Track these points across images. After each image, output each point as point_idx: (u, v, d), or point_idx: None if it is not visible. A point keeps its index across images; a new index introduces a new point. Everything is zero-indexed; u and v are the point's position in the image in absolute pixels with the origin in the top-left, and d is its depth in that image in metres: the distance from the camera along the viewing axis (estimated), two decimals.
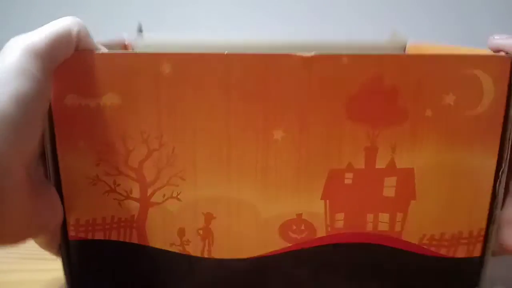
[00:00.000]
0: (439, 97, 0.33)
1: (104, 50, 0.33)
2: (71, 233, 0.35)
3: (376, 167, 0.34)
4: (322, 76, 0.32)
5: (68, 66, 0.31)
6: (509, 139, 0.34)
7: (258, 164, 0.34)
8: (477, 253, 0.36)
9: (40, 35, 0.29)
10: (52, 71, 0.30)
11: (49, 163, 0.33)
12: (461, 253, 0.36)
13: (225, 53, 0.32)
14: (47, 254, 0.36)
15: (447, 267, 0.36)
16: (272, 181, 0.34)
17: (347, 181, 0.34)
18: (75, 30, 0.30)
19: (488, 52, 0.35)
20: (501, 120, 0.33)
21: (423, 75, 0.32)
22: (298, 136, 0.33)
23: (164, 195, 0.34)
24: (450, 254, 0.36)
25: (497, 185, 0.35)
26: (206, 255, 0.36)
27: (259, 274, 0.36)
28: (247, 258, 0.36)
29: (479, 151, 0.34)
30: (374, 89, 0.32)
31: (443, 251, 0.36)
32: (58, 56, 0.30)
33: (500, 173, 0.34)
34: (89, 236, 0.35)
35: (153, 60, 0.32)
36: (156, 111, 0.33)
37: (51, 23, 0.30)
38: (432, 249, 0.36)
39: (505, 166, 0.34)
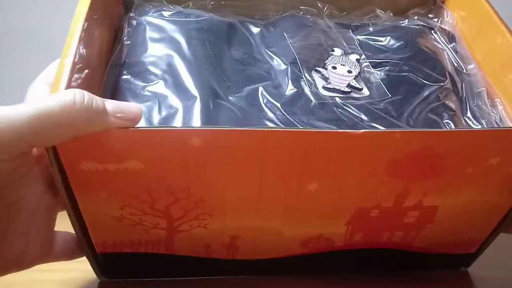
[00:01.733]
0: (484, 160, 0.31)
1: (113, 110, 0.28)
2: (99, 249, 0.36)
3: (404, 206, 0.34)
4: (368, 148, 0.29)
5: (75, 142, 0.27)
6: None
7: (287, 204, 0.33)
8: (473, 250, 0.40)
9: (26, 117, 0.25)
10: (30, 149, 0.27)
11: (67, 205, 0.31)
12: (459, 251, 0.40)
13: (263, 129, 0.27)
14: (50, 265, 0.36)
15: (444, 259, 0.41)
16: (298, 214, 0.34)
17: (372, 214, 0.35)
18: (71, 120, 0.26)
19: None
20: None
21: (473, 145, 0.30)
22: (331, 188, 0.32)
23: (191, 225, 0.34)
24: (450, 252, 0.40)
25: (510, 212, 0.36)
26: (230, 258, 0.38)
27: (272, 269, 0.39)
28: (267, 259, 0.38)
29: (505, 196, 0.34)
30: (419, 157, 0.30)
31: (443, 251, 0.40)
32: (41, 141, 0.26)
33: None
34: (117, 251, 0.36)
35: (181, 135, 0.27)
36: (183, 172, 0.30)
37: (46, 102, 0.25)
38: (435, 249, 0.39)
39: None
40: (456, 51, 0.40)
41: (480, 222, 0.37)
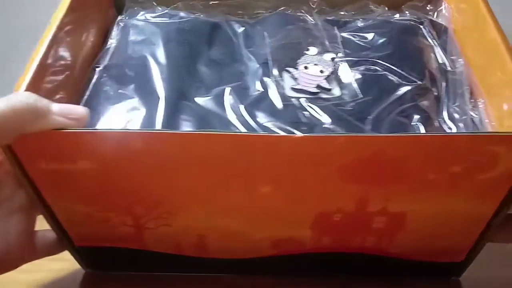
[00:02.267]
0: (445, 166, 0.29)
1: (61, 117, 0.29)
2: (76, 243, 0.38)
3: (367, 211, 0.33)
4: (314, 153, 0.28)
5: (27, 142, 0.29)
6: None
7: (247, 207, 0.33)
8: (459, 259, 0.38)
9: None
10: None
11: (36, 203, 0.33)
12: (444, 259, 0.38)
13: (205, 133, 0.28)
14: None
15: (428, 267, 0.39)
16: (260, 221, 0.34)
17: (336, 219, 0.34)
18: (10, 119, 0.27)
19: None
20: (511, 182, 0.30)
21: (429, 151, 0.28)
22: (285, 192, 0.31)
23: (156, 223, 0.35)
24: (433, 260, 0.38)
25: (492, 221, 0.33)
26: (202, 256, 0.39)
27: (247, 269, 0.39)
28: (239, 259, 0.39)
29: (479, 203, 0.32)
30: (373, 160, 0.29)
31: (426, 259, 0.38)
32: None
33: (498, 215, 0.33)
34: (94, 244, 0.38)
35: (122, 138, 0.28)
36: (134, 174, 0.31)
37: None
38: (417, 257, 0.38)
39: (506, 210, 0.33)
40: (444, 48, 0.38)
41: (460, 231, 0.35)
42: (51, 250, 0.38)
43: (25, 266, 0.37)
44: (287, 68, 0.37)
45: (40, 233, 0.37)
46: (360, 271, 0.39)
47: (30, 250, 0.36)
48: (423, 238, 0.36)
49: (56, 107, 0.29)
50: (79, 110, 0.30)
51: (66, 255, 0.40)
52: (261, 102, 0.35)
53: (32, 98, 0.28)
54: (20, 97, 0.28)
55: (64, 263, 0.41)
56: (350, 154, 0.28)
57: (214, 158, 0.29)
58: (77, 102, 0.37)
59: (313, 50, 0.37)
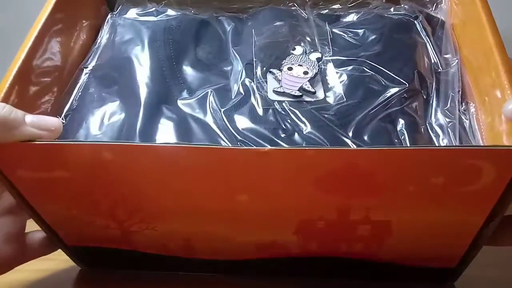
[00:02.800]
0: (424, 179, 0.28)
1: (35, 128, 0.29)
2: (67, 242, 0.38)
3: (350, 219, 0.32)
4: (285, 166, 0.27)
5: (3, 152, 0.29)
6: (503, 212, 0.29)
7: (227, 213, 0.33)
8: (453, 265, 0.36)
9: None
10: None
11: (23, 206, 0.34)
12: (437, 265, 0.37)
13: (170, 145, 0.27)
14: None
15: (425, 272, 0.37)
16: (243, 226, 0.34)
17: (319, 226, 0.33)
18: None
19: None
20: (499, 196, 0.28)
21: (406, 165, 0.27)
22: (263, 201, 0.31)
23: (140, 227, 0.35)
24: (425, 265, 0.37)
25: (484, 230, 0.32)
26: (190, 257, 0.39)
27: (235, 270, 0.39)
28: (227, 260, 0.38)
29: (465, 215, 0.30)
30: (346, 173, 0.28)
31: (420, 264, 0.37)
32: None
33: (489, 225, 0.31)
34: (85, 244, 0.38)
35: (93, 150, 0.28)
36: (109, 183, 0.31)
37: None
38: (405, 263, 0.37)
39: (496, 220, 0.31)
40: (439, 45, 0.36)
41: (450, 239, 0.33)
42: (44, 250, 0.38)
43: (20, 266, 0.38)
44: (271, 70, 0.35)
45: (31, 234, 0.38)
46: (351, 274, 0.39)
47: (22, 252, 0.37)
48: (412, 245, 0.34)
49: (29, 118, 0.29)
50: (53, 121, 0.30)
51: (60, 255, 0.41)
52: (242, 106, 0.34)
53: (5, 110, 0.28)
54: None
55: (55, 261, 0.42)
56: (321, 166, 0.27)
57: (185, 169, 0.29)
58: (64, 104, 0.37)
59: (298, 50, 0.36)
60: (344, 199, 0.30)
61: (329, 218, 0.32)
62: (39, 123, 0.29)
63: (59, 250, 0.40)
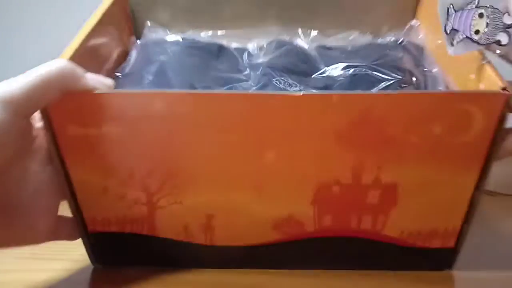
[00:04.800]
0: (427, 128, 0.33)
1: (101, 84, 0.34)
2: (90, 227, 0.40)
3: (362, 183, 0.36)
4: (311, 113, 0.33)
5: (64, 104, 0.33)
6: (492, 164, 0.35)
7: (252, 178, 0.36)
8: (451, 244, 0.40)
9: (17, 84, 0.31)
10: (28, 113, 0.33)
11: (60, 174, 0.36)
12: (435, 244, 0.40)
13: (216, 92, 0.32)
14: (44, 254, 0.40)
15: (422, 254, 0.41)
16: (266, 189, 0.37)
17: (334, 191, 0.37)
18: (55, 77, 0.32)
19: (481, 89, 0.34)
20: (487, 146, 0.34)
21: (411, 110, 0.33)
22: (288, 158, 0.35)
23: (168, 201, 0.38)
24: (426, 245, 0.40)
25: (476, 192, 0.37)
26: (208, 243, 0.41)
27: (252, 259, 0.42)
28: (244, 246, 0.41)
29: (460, 172, 0.36)
30: (363, 121, 0.33)
31: (419, 243, 0.40)
32: (35, 102, 0.32)
33: (480, 185, 0.36)
34: (106, 229, 0.40)
35: (146, 98, 0.33)
36: (154, 137, 0.34)
37: (33, 69, 0.32)
38: (409, 241, 0.40)
39: (485, 181, 0.36)
40: (422, 63, 0.44)
41: (447, 206, 0.38)
42: (69, 234, 0.40)
43: (28, 266, 0.38)
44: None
45: (60, 217, 0.39)
46: (357, 261, 0.42)
47: (52, 229, 0.38)
48: (414, 217, 0.39)
49: (88, 74, 0.34)
50: (108, 79, 0.35)
51: (72, 253, 0.42)
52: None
53: (70, 63, 0.33)
54: (61, 61, 0.33)
55: (68, 262, 0.43)
56: (343, 113, 0.33)
57: (224, 119, 0.33)
58: None
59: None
60: (358, 155, 0.35)
61: (344, 182, 0.36)
62: (97, 78, 0.34)
63: (70, 250, 0.41)
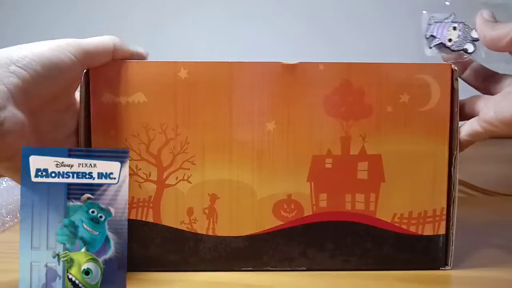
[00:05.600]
0: (396, 97, 0.42)
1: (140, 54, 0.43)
2: None
3: (351, 153, 0.42)
4: (304, 80, 0.41)
5: (106, 71, 0.41)
6: (457, 130, 0.42)
7: (255, 150, 0.41)
8: (442, 231, 0.43)
9: (87, 40, 0.40)
10: (87, 64, 0.40)
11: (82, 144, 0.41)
12: (428, 230, 0.42)
13: (229, 61, 0.41)
14: None
15: (416, 243, 0.42)
16: (266, 165, 0.42)
17: (327, 166, 0.42)
18: (112, 44, 0.41)
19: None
20: (449, 114, 0.42)
21: (383, 79, 0.42)
22: (286, 127, 0.41)
23: (177, 178, 0.42)
24: (419, 232, 0.42)
25: (452, 168, 0.42)
26: (210, 233, 0.42)
27: (253, 249, 0.42)
28: (245, 236, 0.42)
29: (432, 140, 0.42)
30: (345, 90, 0.41)
31: (412, 229, 0.42)
32: (96, 56, 0.40)
33: (453, 159, 0.42)
34: None
35: (172, 67, 0.41)
36: (173, 107, 0.41)
37: (95, 37, 0.41)
38: (403, 226, 0.42)
39: (457, 153, 0.42)
40: None
41: (428, 182, 0.42)
42: None
43: None
44: None
45: None
46: (356, 252, 0.42)
47: None
48: (403, 198, 0.42)
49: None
50: (144, 51, 0.44)
51: None
52: None
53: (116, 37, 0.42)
54: (109, 36, 0.41)
55: None
56: (329, 82, 0.41)
57: (233, 86, 0.41)
58: None
59: None
60: (344, 123, 0.41)
61: (335, 154, 0.41)
62: (137, 47, 0.43)
63: None
